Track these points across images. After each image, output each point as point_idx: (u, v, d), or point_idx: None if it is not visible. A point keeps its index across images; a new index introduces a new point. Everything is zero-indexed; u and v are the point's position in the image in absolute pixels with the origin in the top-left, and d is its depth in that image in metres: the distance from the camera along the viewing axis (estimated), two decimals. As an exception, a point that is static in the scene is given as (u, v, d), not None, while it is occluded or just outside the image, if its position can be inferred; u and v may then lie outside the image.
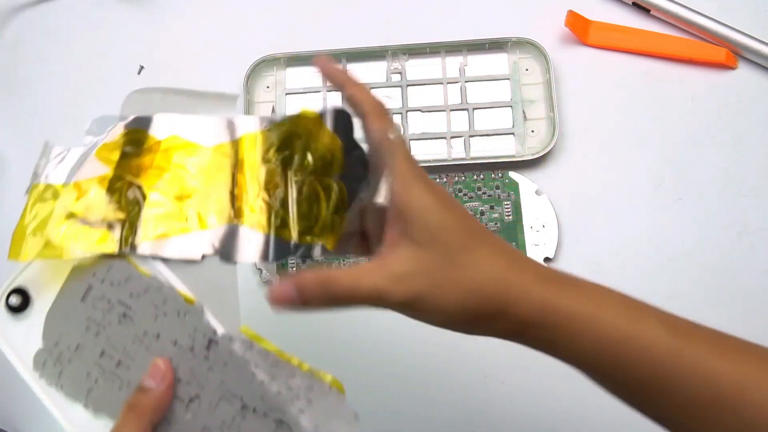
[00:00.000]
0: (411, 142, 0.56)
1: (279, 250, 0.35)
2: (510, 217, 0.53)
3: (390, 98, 0.57)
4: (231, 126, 0.38)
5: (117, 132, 0.38)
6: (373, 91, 0.57)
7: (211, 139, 0.38)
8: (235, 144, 0.38)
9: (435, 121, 0.56)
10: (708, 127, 0.56)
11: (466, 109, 0.56)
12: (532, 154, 0.54)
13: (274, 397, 0.33)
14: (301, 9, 0.61)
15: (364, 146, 0.36)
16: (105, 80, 0.60)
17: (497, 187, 0.54)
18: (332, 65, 0.36)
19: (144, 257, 0.36)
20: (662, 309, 0.32)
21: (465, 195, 0.54)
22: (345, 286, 0.31)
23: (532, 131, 0.56)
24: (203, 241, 0.36)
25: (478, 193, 0.54)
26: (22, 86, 0.61)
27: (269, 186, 0.37)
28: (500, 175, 0.54)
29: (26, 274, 0.37)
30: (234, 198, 0.37)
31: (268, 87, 0.58)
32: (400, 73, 0.58)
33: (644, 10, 0.58)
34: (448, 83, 0.57)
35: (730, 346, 0.31)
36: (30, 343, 0.37)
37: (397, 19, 0.60)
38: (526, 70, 0.57)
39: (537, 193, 0.54)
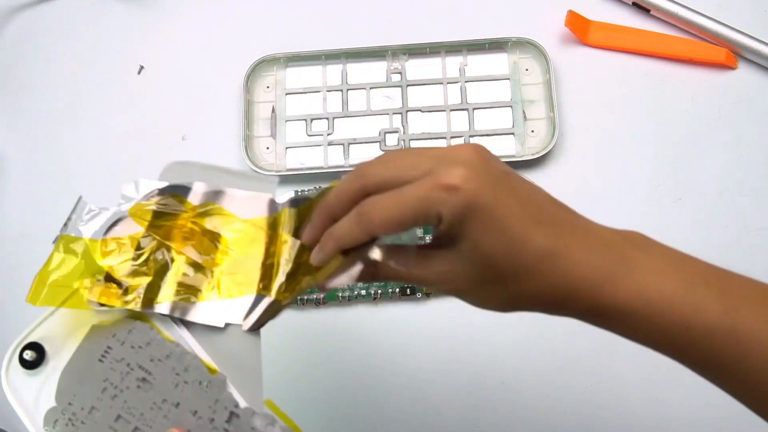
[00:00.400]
0: (411, 142, 0.56)
1: None
2: (510, 217, 0.53)
3: (390, 98, 0.57)
4: (269, 202, 0.38)
5: (153, 194, 0.39)
6: (375, 91, 0.57)
7: (248, 212, 0.38)
8: (271, 219, 0.38)
9: (435, 121, 0.56)
10: (708, 127, 0.56)
11: (466, 109, 0.56)
12: (532, 154, 0.54)
13: None
14: (301, 9, 0.61)
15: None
16: (105, 80, 0.60)
17: (497, 187, 0.54)
18: (315, 230, 0.34)
19: (166, 319, 0.35)
20: (717, 273, 0.32)
21: (465, 195, 0.54)
22: (418, 277, 0.32)
23: (532, 131, 0.56)
24: (228, 310, 0.36)
25: (478, 193, 0.54)
26: (22, 86, 0.61)
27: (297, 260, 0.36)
28: (500, 175, 0.54)
29: (43, 328, 0.37)
30: (265, 271, 0.36)
31: (268, 87, 0.58)
32: (400, 73, 0.58)
33: (644, 10, 0.58)
34: (448, 83, 0.57)
35: None
36: (42, 400, 0.36)
37: (397, 19, 0.60)
38: (526, 70, 0.57)
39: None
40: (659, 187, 0.54)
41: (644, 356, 0.50)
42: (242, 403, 0.34)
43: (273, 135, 0.57)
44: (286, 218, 0.37)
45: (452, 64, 0.58)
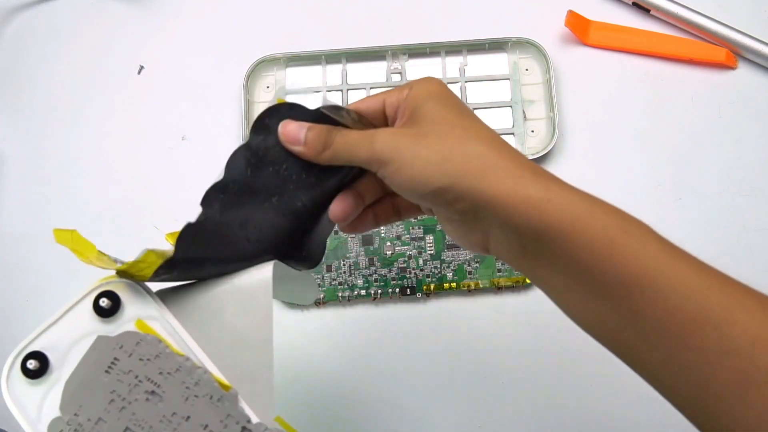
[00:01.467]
0: (411, 142, 0.56)
1: None
2: (510, 217, 0.53)
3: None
4: None
5: None
6: (376, 91, 0.57)
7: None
8: None
9: (435, 121, 0.56)
10: (708, 127, 0.56)
11: (466, 109, 0.56)
12: (532, 154, 0.54)
13: None
14: (301, 9, 0.61)
15: None
16: (105, 80, 0.60)
17: (497, 187, 0.54)
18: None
19: (174, 333, 0.35)
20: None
21: (465, 195, 0.54)
22: (340, 141, 0.35)
23: (532, 131, 0.56)
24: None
25: (478, 193, 0.54)
26: (22, 86, 0.61)
27: None
28: (500, 175, 0.54)
29: (45, 337, 0.36)
30: None
31: (268, 87, 0.58)
32: (400, 73, 0.58)
33: (644, 10, 0.58)
34: (448, 83, 0.57)
35: (718, 273, 0.30)
36: (45, 410, 0.35)
37: (397, 19, 0.60)
38: (526, 70, 0.57)
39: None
40: (659, 187, 0.54)
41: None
42: (254, 419, 0.34)
43: (273, 135, 0.57)
44: None
45: (452, 64, 0.58)
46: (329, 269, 0.53)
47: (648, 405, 0.49)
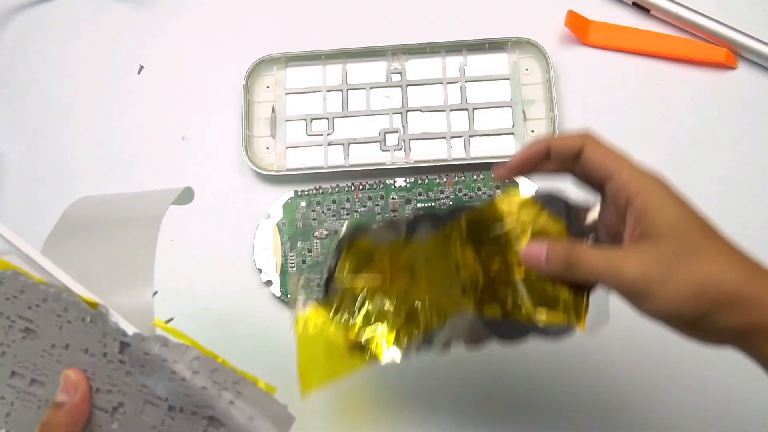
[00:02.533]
0: (411, 141, 0.56)
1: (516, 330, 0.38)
2: (510, 217, 0.53)
3: (390, 98, 0.57)
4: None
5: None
6: (375, 91, 0.57)
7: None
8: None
9: (435, 121, 0.56)
10: (708, 127, 0.56)
11: (466, 109, 0.56)
12: (532, 154, 0.54)
13: (200, 393, 0.32)
14: (301, 9, 0.61)
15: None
16: (105, 80, 0.60)
17: (497, 187, 0.54)
18: (510, 168, 0.40)
19: (30, 260, 0.34)
20: None
21: (465, 195, 0.54)
22: (584, 265, 0.35)
23: (532, 131, 0.56)
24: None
25: (478, 193, 0.54)
26: (22, 86, 0.61)
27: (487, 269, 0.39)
28: (500, 175, 0.54)
29: None
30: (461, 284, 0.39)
31: (268, 87, 0.58)
32: (400, 72, 0.58)
33: (644, 10, 0.58)
34: (448, 83, 0.57)
35: None
36: None
37: (397, 19, 0.60)
38: (526, 70, 0.57)
39: (537, 193, 0.54)
40: (659, 187, 0.54)
41: (643, 356, 0.50)
42: (130, 330, 0.33)
43: (273, 135, 0.57)
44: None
45: (452, 64, 0.58)
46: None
47: (647, 405, 0.49)
